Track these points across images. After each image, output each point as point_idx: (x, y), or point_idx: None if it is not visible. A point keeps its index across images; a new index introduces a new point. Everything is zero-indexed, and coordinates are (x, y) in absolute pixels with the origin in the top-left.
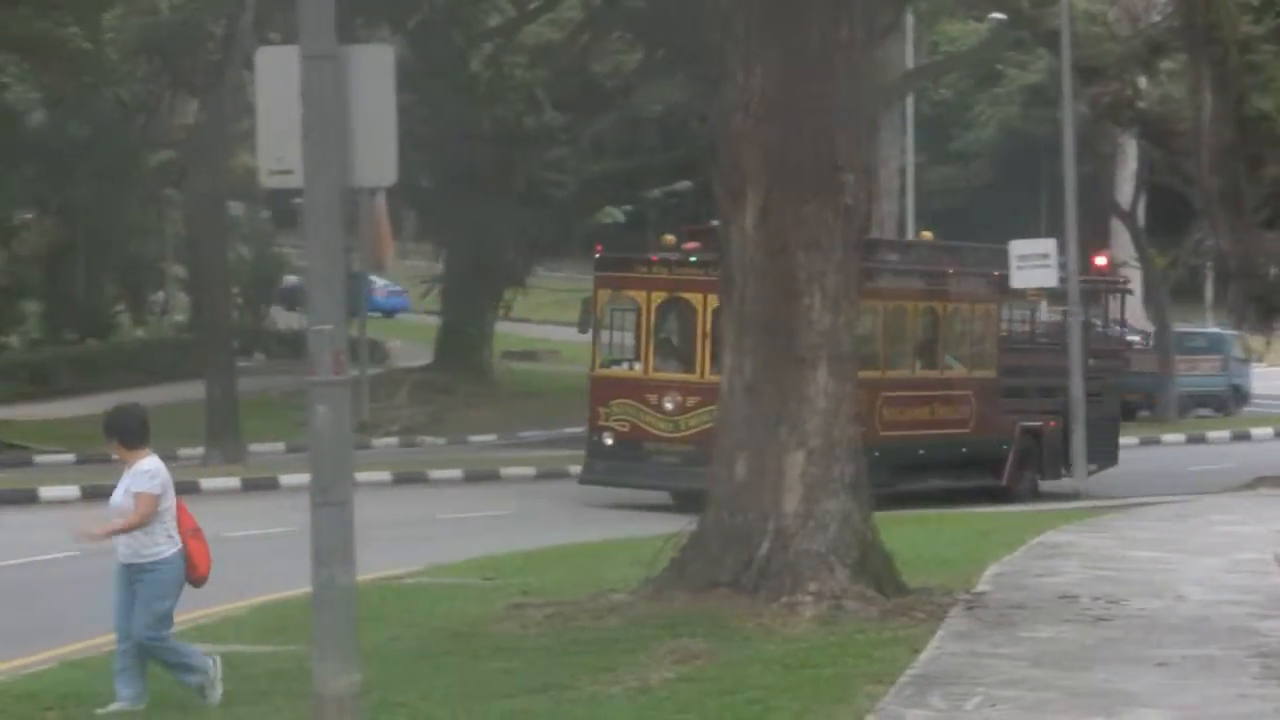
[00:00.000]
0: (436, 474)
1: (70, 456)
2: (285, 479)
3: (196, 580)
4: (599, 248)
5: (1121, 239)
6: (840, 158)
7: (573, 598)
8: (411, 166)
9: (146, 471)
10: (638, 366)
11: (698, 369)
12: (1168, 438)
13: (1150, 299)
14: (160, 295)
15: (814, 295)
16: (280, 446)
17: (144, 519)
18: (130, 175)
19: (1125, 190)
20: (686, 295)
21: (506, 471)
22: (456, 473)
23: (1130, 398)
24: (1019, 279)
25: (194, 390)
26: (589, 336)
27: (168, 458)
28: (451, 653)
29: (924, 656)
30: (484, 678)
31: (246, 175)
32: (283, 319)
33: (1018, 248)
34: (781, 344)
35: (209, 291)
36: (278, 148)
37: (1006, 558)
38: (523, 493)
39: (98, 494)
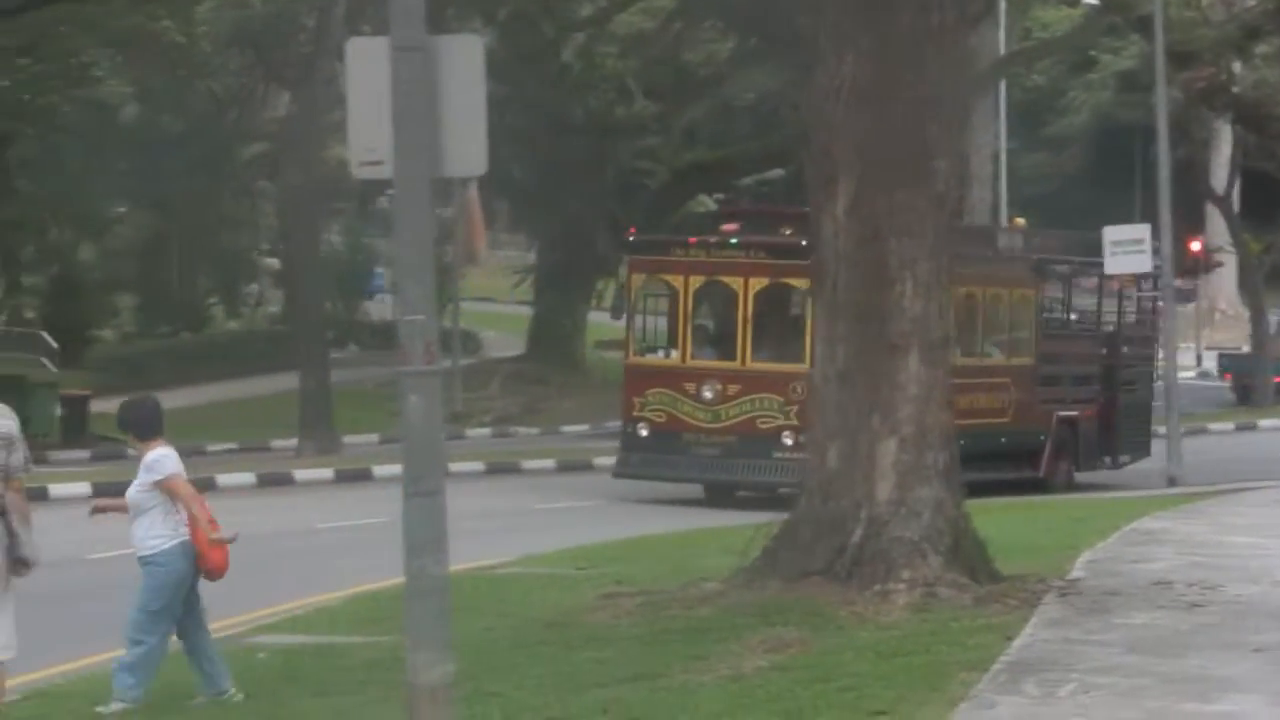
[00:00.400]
0: (529, 464)
1: None
2: (379, 470)
3: (209, 573)
4: (632, 230)
5: (1216, 224)
6: (932, 145)
7: (665, 587)
8: (503, 158)
9: (159, 459)
10: (674, 354)
11: (738, 356)
12: (1264, 423)
13: (1245, 284)
14: (255, 288)
15: (906, 282)
16: (374, 438)
17: (193, 496)
18: (223, 168)
19: (1220, 175)
20: (726, 279)
21: (599, 461)
22: (549, 463)
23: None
24: (1113, 265)
25: (287, 382)
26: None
27: (261, 449)
28: (545, 642)
29: (1017, 644)
30: (577, 667)
31: (338, 167)
32: (376, 310)
33: (1111, 233)
34: (873, 331)
35: (302, 283)
36: (368, 138)
37: (1100, 544)
38: (615, 482)
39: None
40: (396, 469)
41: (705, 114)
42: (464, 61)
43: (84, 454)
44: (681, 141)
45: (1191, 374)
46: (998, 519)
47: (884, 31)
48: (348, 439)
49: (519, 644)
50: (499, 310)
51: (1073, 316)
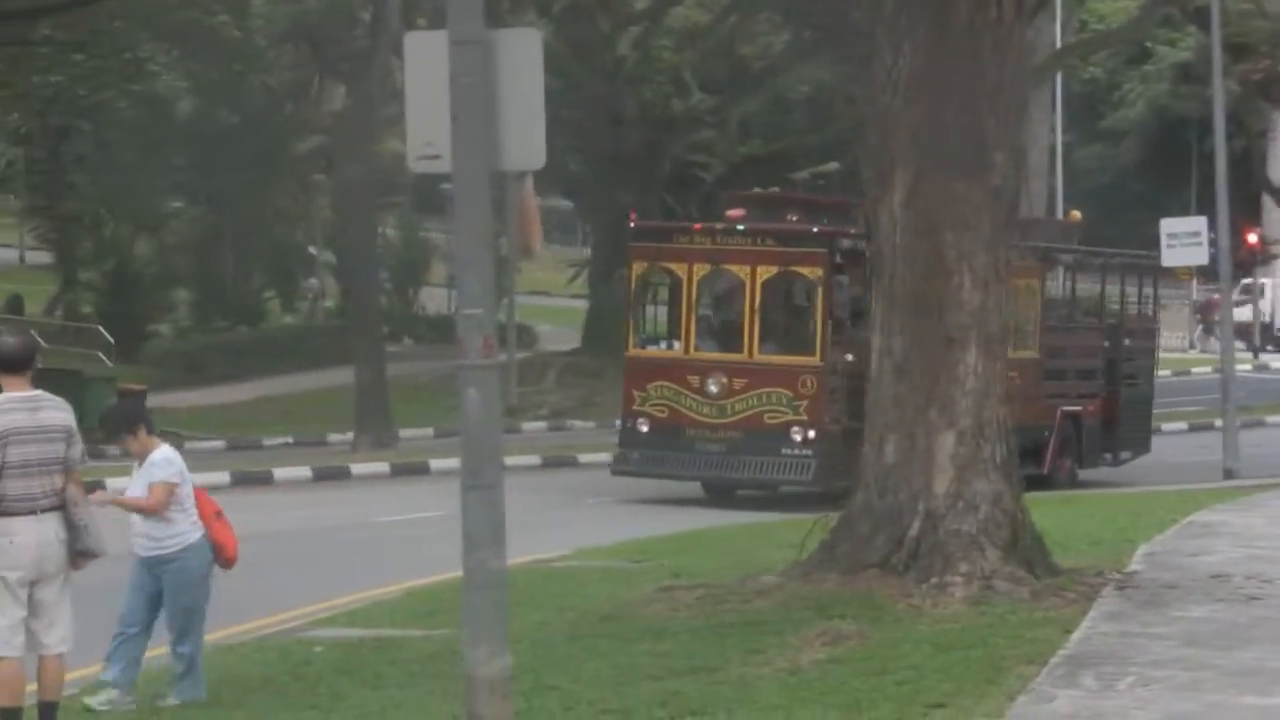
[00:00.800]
0: (585, 458)
1: (220, 443)
2: (435, 464)
3: (225, 563)
4: (633, 215)
5: (1273, 216)
6: (989, 138)
7: (721, 580)
8: (559, 151)
9: (160, 461)
10: (677, 346)
11: (745, 348)
12: None
13: None
14: (313, 281)
15: (963, 275)
16: (429, 431)
17: (157, 506)
18: (278, 162)
19: (1277, 167)
20: (732, 267)
21: None
22: (604, 456)
23: None
24: (1170, 257)
25: (342, 376)
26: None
27: (317, 443)
28: (602, 635)
29: (1076, 637)
30: (634, 660)
31: (394, 161)
32: (431, 303)
33: (1168, 225)
34: (931, 324)
35: (358, 277)
36: (426, 132)
37: (1157, 537)
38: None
39: (248, 480)
40: (453, 463)
41: (760, 107)
42: (523, 55)
43: (162, 443)
44: (736, 135)
45: (1248, 367)
46: (1055, 512)
47: (941, 24)
48: (403, 433)
49: (576, 637)
50: (554, 304)
51: (1075, 308)
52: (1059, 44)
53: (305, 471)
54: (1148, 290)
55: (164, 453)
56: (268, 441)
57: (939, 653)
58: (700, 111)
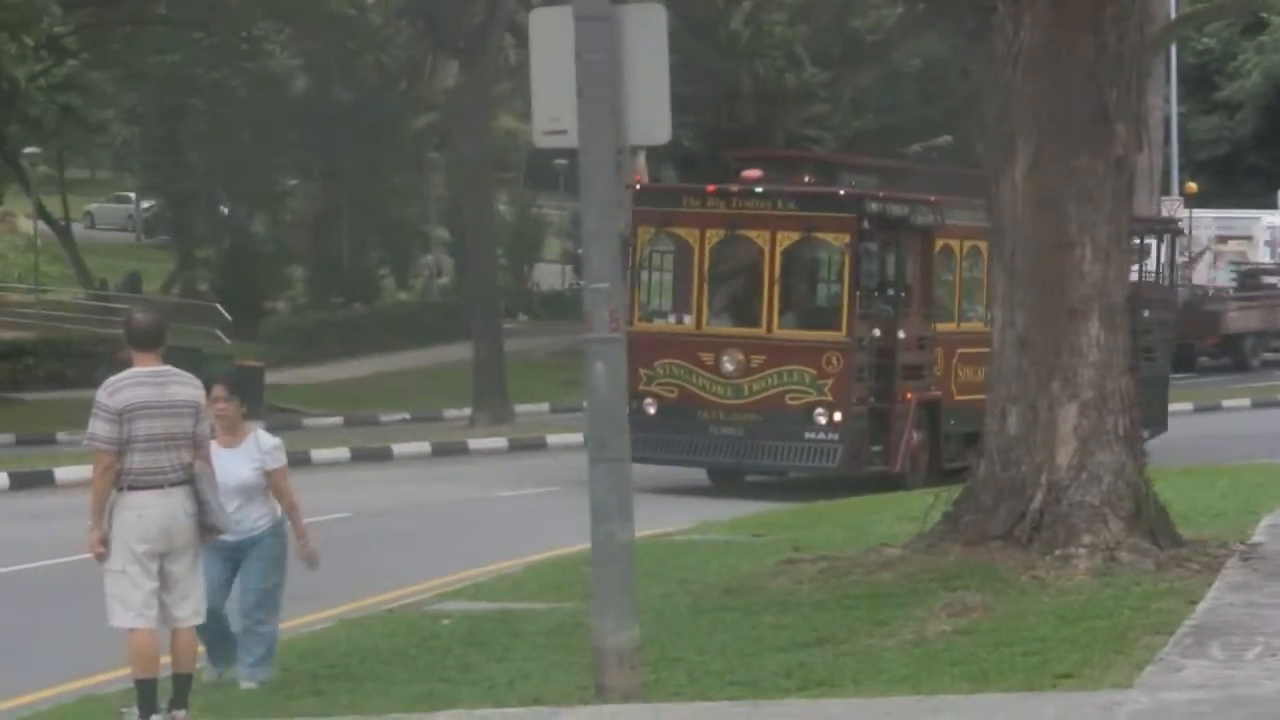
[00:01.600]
0: None
1: (338, 419)
2: (552, 439)
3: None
4: (638, 178)
5: None
6: (1111, 108)
7: (844, 553)
8: (673, 126)
9: (276, 446)
10: (687, 320)
11: (763, 322)
12: None
13: None
14: (429, 258)
15: (1085, 247)
16: (544, 407)
17: (294, 491)
18: (393, 139)
19: None
20: (750, 233)
21: None
22: None
23: None
24: None
25: (456, 353)
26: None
27: (434, 418)
28: (726, 608)
29: (1201, 608)
30: (759, 632)
31: (506, 137)
32: (545, 279)
33: None
34: (1053, 296)
35: (474, 253)
36: (552, 108)
37: None
38: None
39: (367, 456)
40: (570, 438)
41: (872, 81)
42: (648, 31)
43: (258, 425)
44: (849, 109)
45: None
46: (1175, 484)
47: None
48: (519, 408)
49: (700, 610)
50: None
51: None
52: (1173, 14)
53: (424, 447)
54: (1164, 258)
55: (273, 438)
56: (384, 418)
57: (1065, 624)
58: (813, 86)
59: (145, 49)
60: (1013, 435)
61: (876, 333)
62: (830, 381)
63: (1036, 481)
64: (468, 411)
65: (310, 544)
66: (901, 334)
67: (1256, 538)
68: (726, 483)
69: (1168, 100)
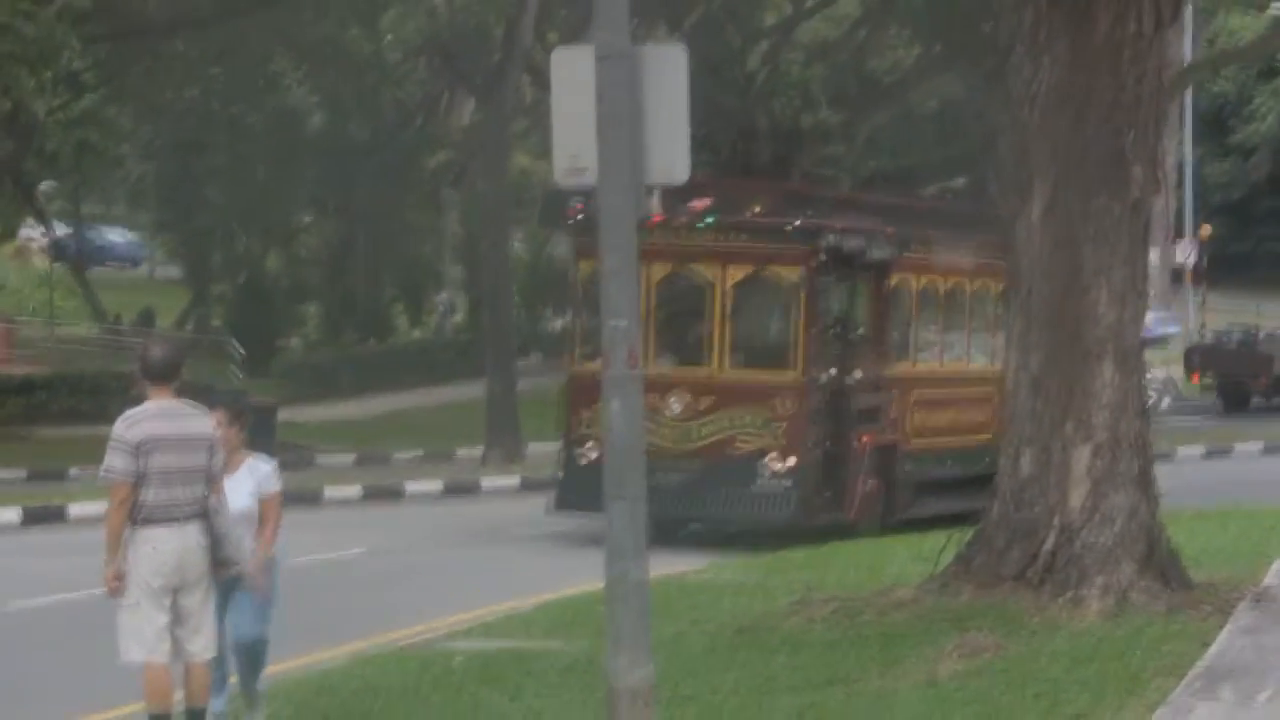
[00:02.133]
0: None
1: (351, 456)
2: None
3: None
4: (580, 207)
5: None
6: (1128, 151)
7: (856, 593)
8: (690, 165)
9: (273, 472)
10: None
11: (714, 362)
12: None
13: None
14: (444, 296)
15: (1100, 289)
16: (556, 446)
17: (279, 519)
18: (408, 176)
19: None
20: (698, 267)
21: None
22: None
23: None
24: None
25: (469, 391)
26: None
27: (445, 456)
28: (738, 647)
29: (1213, 650)
30: (772, 671)
31: (523, 176)
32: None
33: None
34: (1067, 338)
35: (490, 291)
36: (573, 146)
37: None
38: None
39: (379, 494)
40: None
41: (888, 122)
42: (669, 70)
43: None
44: (864, 149)
45: None
46: (1188, 526)
47: (1081, 38)
48: (531, 446)
49: (713, 649)
50: None
51: None
52: (1188, 59)
53: (436, 485)
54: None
55: (272, 464)
56: (397, 455)
57: (1077, 665)
58: (829, 126)
59: (163, 84)
60: (1026, 476)
61: (832, 372)
62: (783, 425)
63: (1049, 523)
64: (480, 450)
65: (260, 560)
66: (858, 374)
67: (1268, 581)
68: (670, 533)
69: (1183, 143)
